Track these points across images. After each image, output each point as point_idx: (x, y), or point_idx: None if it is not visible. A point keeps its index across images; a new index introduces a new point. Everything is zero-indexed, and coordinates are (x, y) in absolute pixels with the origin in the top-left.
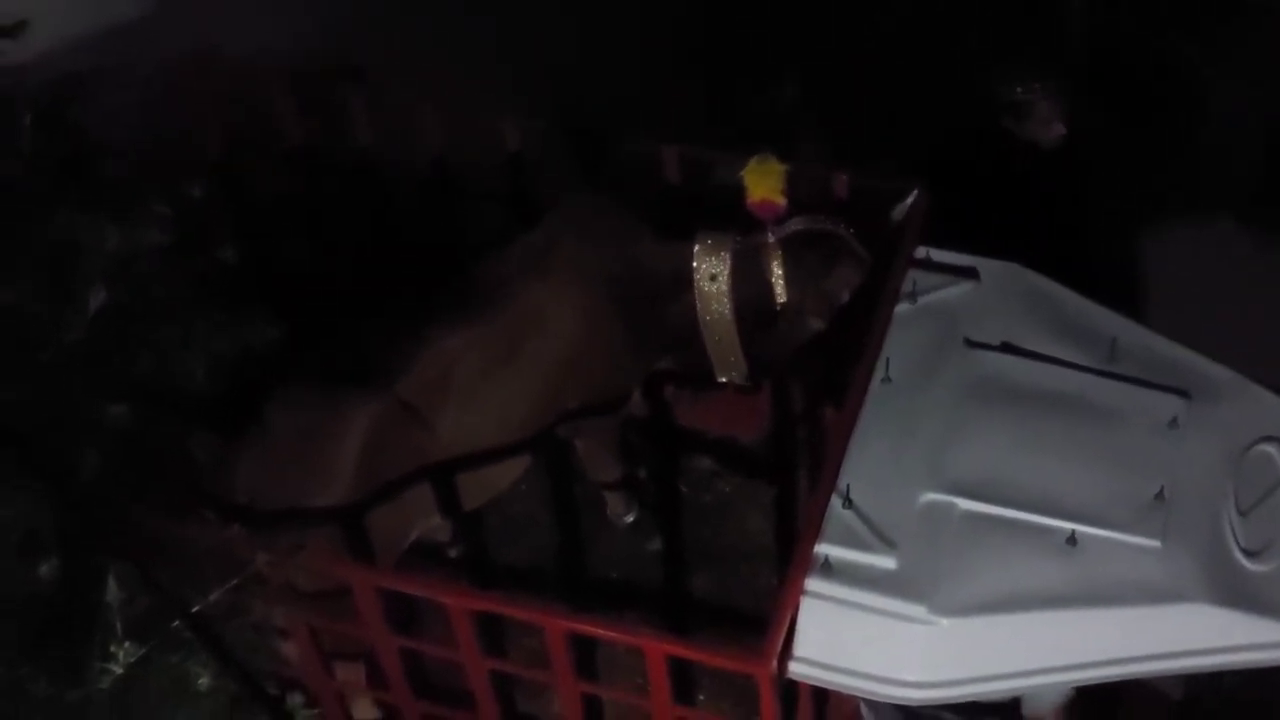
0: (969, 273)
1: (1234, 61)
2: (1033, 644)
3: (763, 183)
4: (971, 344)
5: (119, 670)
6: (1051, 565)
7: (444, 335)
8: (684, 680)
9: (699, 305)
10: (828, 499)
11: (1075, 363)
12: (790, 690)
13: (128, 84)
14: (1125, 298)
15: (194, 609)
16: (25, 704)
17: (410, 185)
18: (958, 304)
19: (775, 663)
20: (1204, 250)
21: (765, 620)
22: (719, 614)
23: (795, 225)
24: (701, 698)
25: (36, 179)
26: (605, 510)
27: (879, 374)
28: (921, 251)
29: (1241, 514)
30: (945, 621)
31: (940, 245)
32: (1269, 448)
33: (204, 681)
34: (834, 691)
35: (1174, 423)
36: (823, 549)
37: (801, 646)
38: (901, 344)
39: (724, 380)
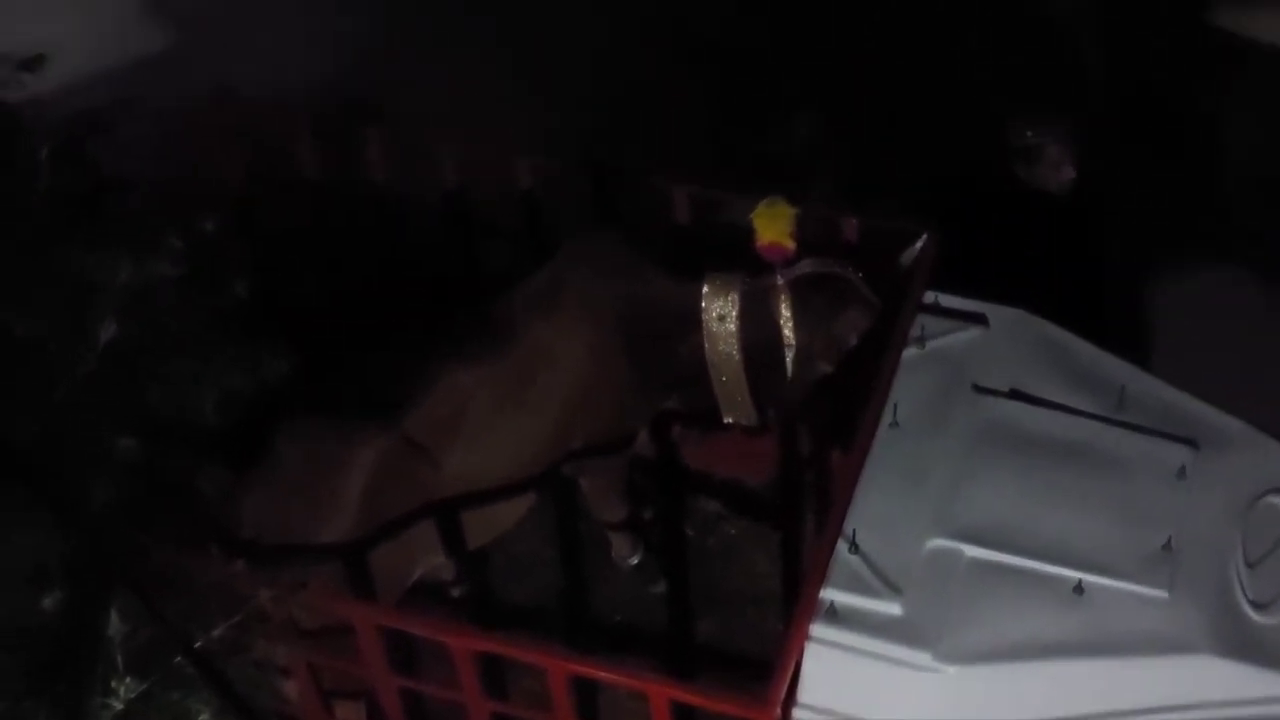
0: (978, 318)
1: (1248, 107)
2: (1038, 693)
3: (772, 226)
4: (980, 390)
5: (120, 706)
6: (1058, 614)
7: (453, 372)
8: None
9: (707, 345)
10: (833, 544)
11: (1083, 411)
12: None
13: (145, 119)
14: (1134, 346)
15: (196, 644)
16: None
17: (423, 221)
18: (966, 350)
19: (779, 709)
20: (1214, 299)
21: (770, 665)
22: (723, 658)
23: (804, 268)
24: None
25: (53, 212)
26: (610, 551)
27: (886, 418)
28: (930, 296)
29: (1249, 565)
30: (951, 669)
31: (949, 290)
32: (1277, 499)
33: (204, 719)
34: None
35: (1182, 473)
36: (828, 594)
37: (806, 692)
38: (909, 389)
39: (730, 421)
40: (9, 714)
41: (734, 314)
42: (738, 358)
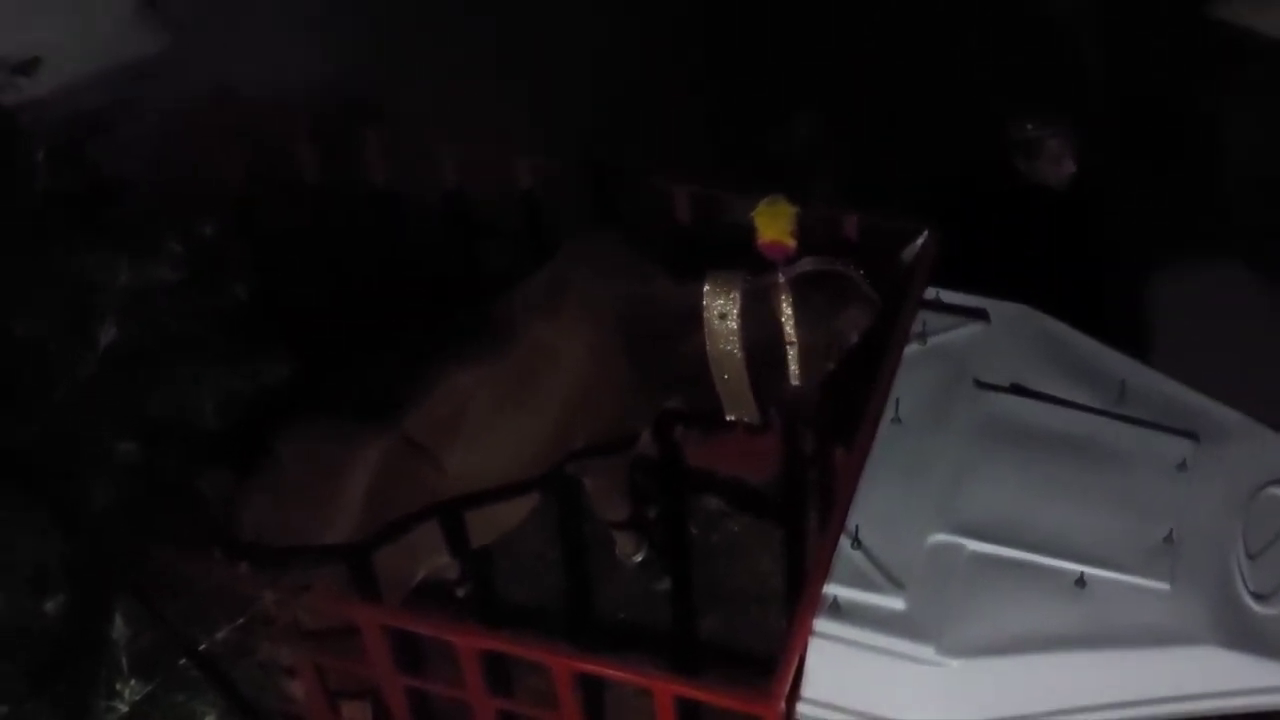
0: (979, 314)
1: (1247, 102)
2: (1041, 686)
3: (773, 224)
4: (981, 385)
5: (124, 708)
6: (1060, 607)
7: (455, 372)
8: None
9: (708, 344)
10: (836, 540)
11: (1084, 405)
12: None
13: (143, 120)
14: (1134, 340)
15: (200, 647)
16: None
17: (423, 221)
18: (967, 345)
19: (783, 703)
20: (1214, 292)
21: (773, 661)
22: (727, 654)
23: (805, 266)
24: None
25: (51, 213)
26: (614, 550)
27: (888, 415)
28: (931, 292)
29: (1250, 557)
30: (954, 662)
31: (950, 286)
32: (1278, 491)
33: None
34: None
35: (1183, 465)
36: (831, 589)
37: (810, 687)
38: (911, 385)
39: (733, 419)
40: (12, 717)
41: (735, 312)
42: (739, 356)
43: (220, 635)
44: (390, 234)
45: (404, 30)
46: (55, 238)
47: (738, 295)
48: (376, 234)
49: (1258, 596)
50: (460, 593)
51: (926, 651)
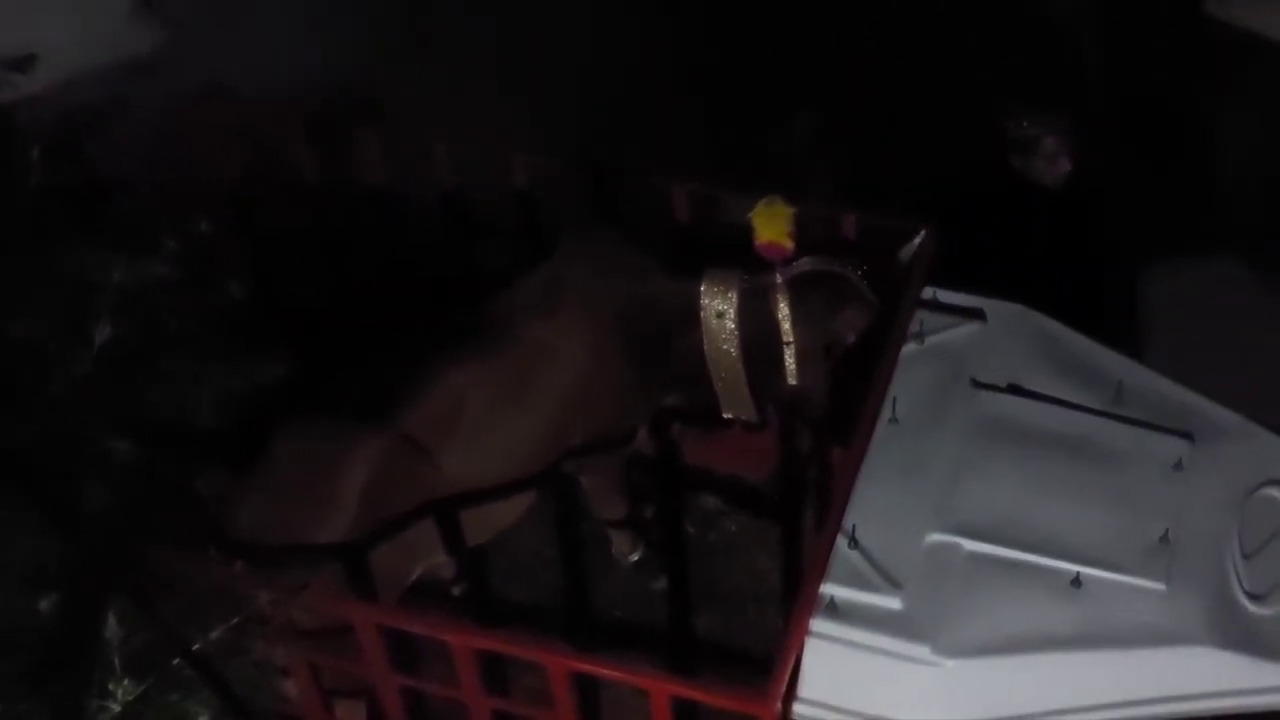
0: (976, 314)
1: (1246, 103)
2: (1037, 686)
3: (770, 225)
4: (978, 385)
5: (117, 708)
6: (1056, 607)
7: (452, 370)
8: None
9: (705, 343)
10: (833, 539)
11: (1081, 405)
12: None
13: (138, 118)
14: (1131, 340)
15: (194, 646)
16: None
17: (420, 220)
18: (964, 345)
19: (779, 703)
20: (1211, 292)
21: (770, 660)
22: (724, 654)
23: (803, 266)
24: None
25: (46, 211)
26: (610, 548)
27: (885, 414)
28: (928, 292)
29: (1246, 557)
30: (950, 662)
31: (947, 286)
32: (1273, 491)
33: None
34: None
35: (1179, 465)
36: (828, 589)
37: (806, 687)
38: (908, 384)
39: (730, 417)
40: (6, 716)
41: (732, 311)
42: (736, 355)
43: (214, 634)
44: (387, 233)
45: (401, 28)
46: (50, 235)
47: (735, 295)
48: (373, 233)
49: (1253, 597)
50: (456, 591)
51: (923, 651)
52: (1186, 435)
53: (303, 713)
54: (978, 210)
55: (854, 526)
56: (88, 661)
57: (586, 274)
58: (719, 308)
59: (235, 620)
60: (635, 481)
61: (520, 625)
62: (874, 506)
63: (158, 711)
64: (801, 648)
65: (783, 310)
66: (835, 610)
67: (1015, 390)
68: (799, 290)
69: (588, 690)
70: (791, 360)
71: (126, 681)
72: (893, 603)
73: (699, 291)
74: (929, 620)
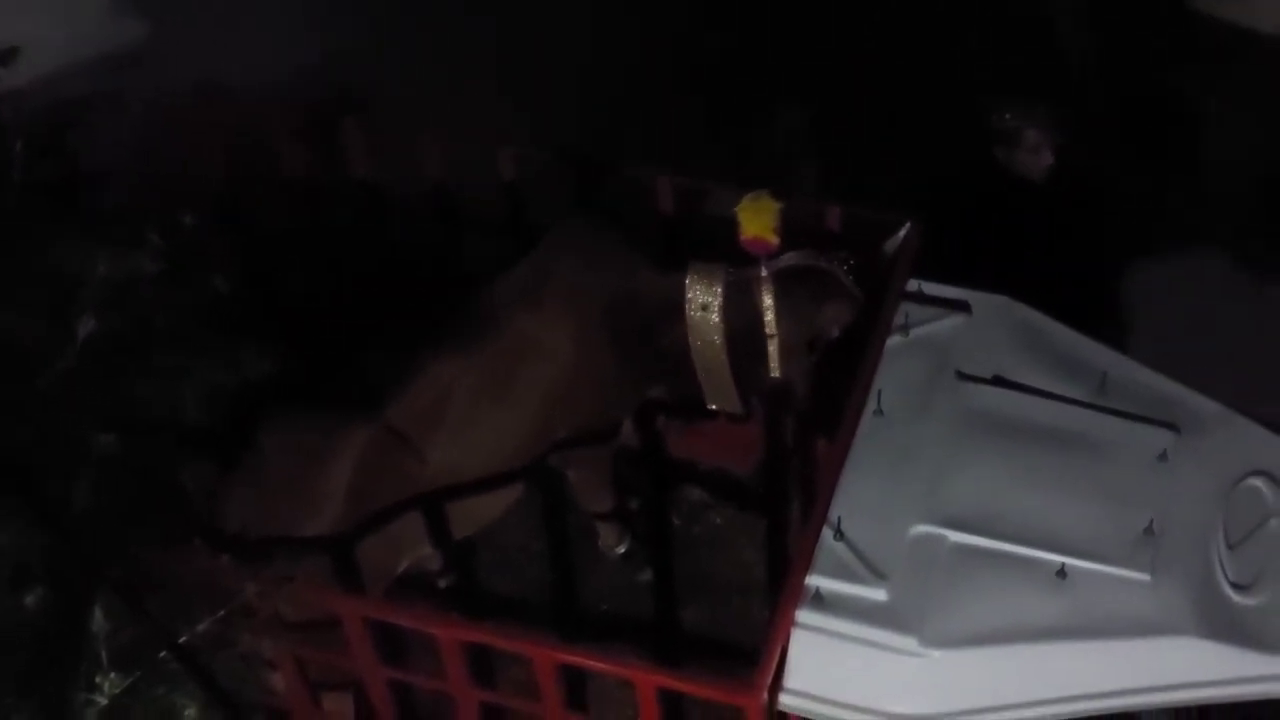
0: (961, 306)
1: (1232, 95)
2: (1022, 676)
3: (756, 220)
4: (963, 377)
5: (104, 701)
6: (1041, 598)
7: (437, 363)
8: (674, 713)
9: (690, 335)
10: (819, 531)
11: (1066, 396)
12: None
13: (124, 112)
14: (1115, 331)
15: (181, 640)
16: None
17: (406, 213)
18: (949, 337)
19: (765, 694)
20: (1195, 284)
21: (756, 652)
22: (710, 645)
23: (788, 260)
24: None
25: (29, 204)
26: (597, 541)
27: (870, 406)
28: (913, 284)
29: (1230, 548)
30: (936, 653)
31: (932, 278)
32: (1257, 481)
33: (190, 713)
34: None
35: (1163, 456)
36: (814, 581)
37: (792, 678)
38: (893, 377)
39: (715, 409)
40: None
41: (717, 304)
42: (721, 346)
43: (201, 628)
44: (373, 226)
45: (387, 22)
46: (34, 230)
47: (720, 287)
48: (359, 226)
49: (1237, 587)
50: (443, 584)
51: (909, 642)
52: (1171, 426)
53: (290, 705)
54: (962, 203)
55: (839, 518)
56: (74, 655)
57: (572, 267)
58: (704, 301)
59: (222, 613)
60: (621, 474)
61: (507, 617)
62: (859, 498)
63: (145, 705)
64: (787, 639)
65: (767, 304)
66: (821, 602)
67: (1000, 382)
68: (784, 284)
69: (575, 682)
70: (775, 353)
71: (113, 675)
72: (878, 594)
73: (684, 284)
74: (914, 611)
